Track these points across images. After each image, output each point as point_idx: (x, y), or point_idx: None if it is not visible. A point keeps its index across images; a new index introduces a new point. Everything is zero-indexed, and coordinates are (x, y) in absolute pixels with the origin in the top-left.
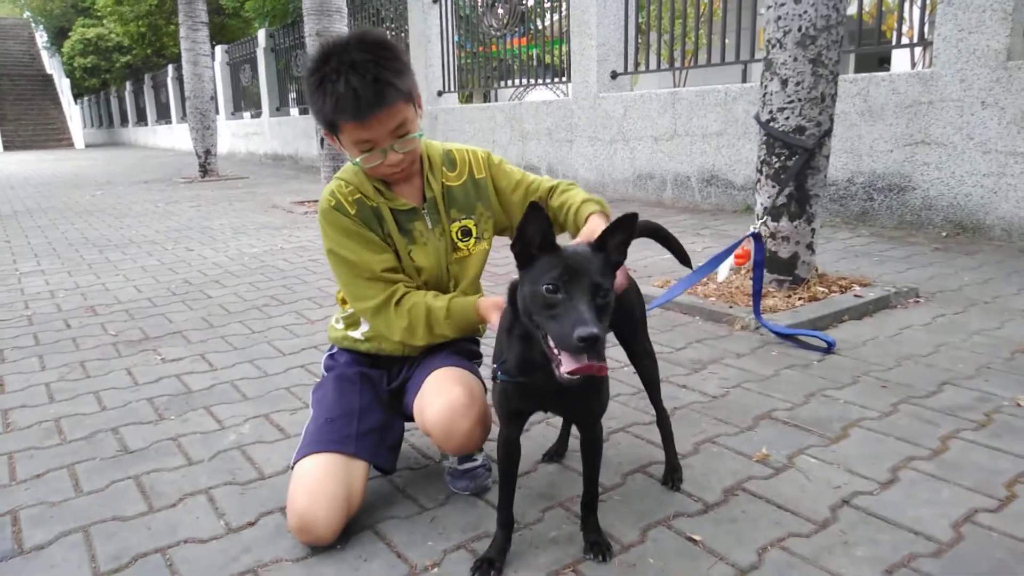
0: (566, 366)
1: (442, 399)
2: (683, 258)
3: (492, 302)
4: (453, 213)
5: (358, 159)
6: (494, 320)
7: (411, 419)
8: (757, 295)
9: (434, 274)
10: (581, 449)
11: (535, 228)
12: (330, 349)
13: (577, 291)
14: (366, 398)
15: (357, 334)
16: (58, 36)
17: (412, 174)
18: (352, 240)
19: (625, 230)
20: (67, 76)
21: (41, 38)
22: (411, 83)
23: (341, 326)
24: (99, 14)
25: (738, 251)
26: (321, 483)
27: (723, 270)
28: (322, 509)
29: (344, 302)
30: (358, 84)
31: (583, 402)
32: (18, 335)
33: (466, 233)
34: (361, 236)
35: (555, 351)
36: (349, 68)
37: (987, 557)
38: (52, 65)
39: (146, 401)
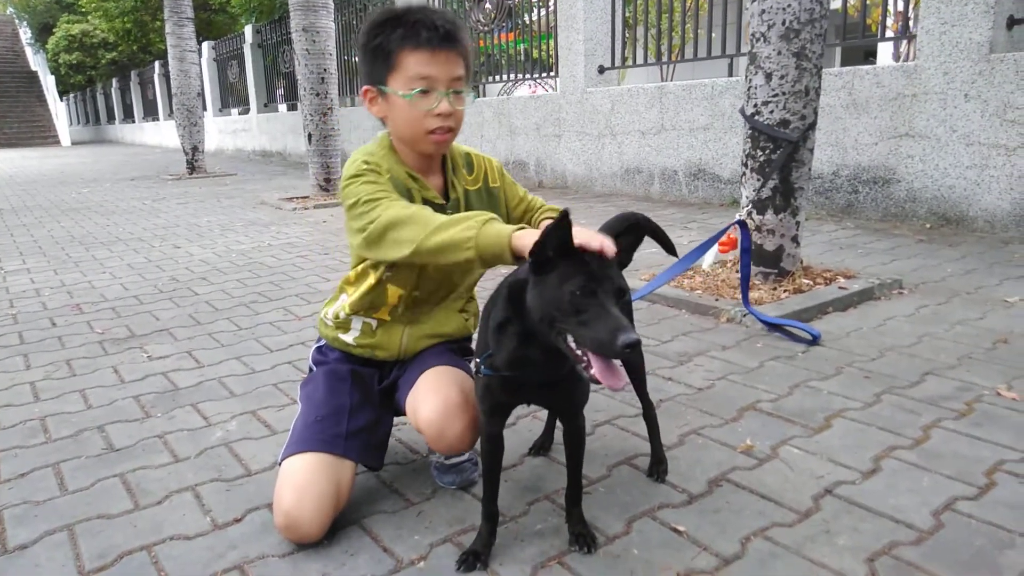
0: (601, 376)
1: (436, 399)
2: (669, 248)
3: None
4: None
5: (412, 91)
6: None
7: (402, 413)
8: (745, 282)
9: (440, 271)
10: (564, 441)
11: (557, 235)
12: (318, 342)
13: (605, 296)
14: (356, 396)
15: (348, 339)
16: (42, 32)
17: (435, 165)
18: (379, 185)
19: (636, 234)
20: (52, 73)
21: (25, 34)
22: (471, 57)
23: (331, 324)
24: (83, 10)
25: (723, 239)
26: (309, 483)
27: (708, 258)
28: (309, 509)
29: (335, 299)
30: (438, 19)
31: (566, 393)
32: (3, 333)
33: None
34: (381, 179)
35: (580, 354)
36: (429, 10)
37: (967, 544)
38: (37, 62)
39: (132, 399)
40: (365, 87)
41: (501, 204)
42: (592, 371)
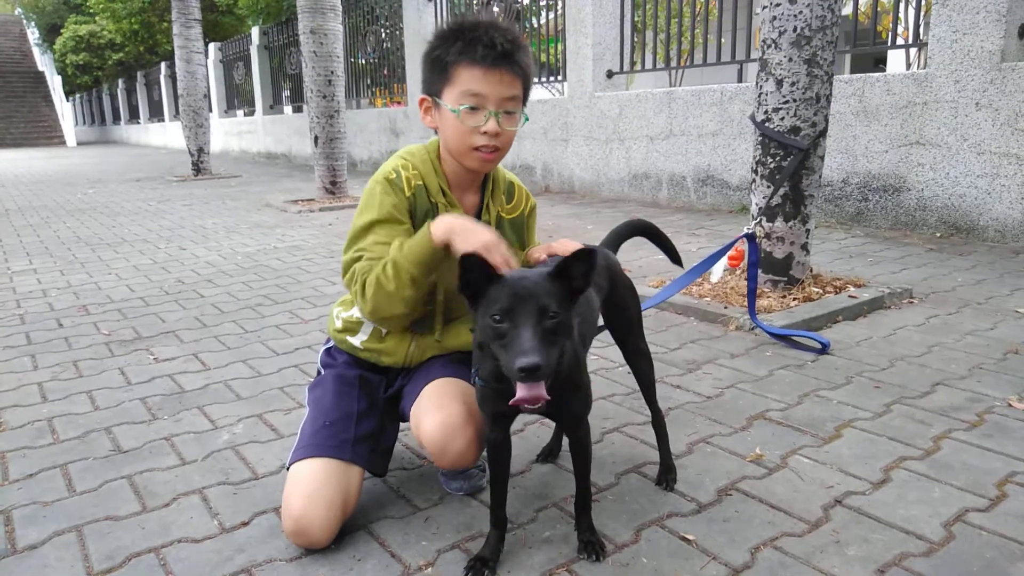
0: (519, 392)
1: (439, 415)
2: (674, 257)
3: (445, 225)
4: None
5: (460, 107)
6: (453, 241)
7: (407, 420)
8: (752, 295)
9: (451, 290)
10: (570, 451)
11: (473, 272)
12: (327, 342)
13: (522, 318)
14: (364, 402)
15: (356, 341)
16: (50, 33)
17: (474, 184)
18: (384, 228)
19: (585, 262)
20: (59, 73)
21: (33, 35)
22: (531, 78)
23: (340, 325)
24: (91, 11)
25: (732, 252)
26: (318, 488)
27: (717, 271)
28: (318, 515)
29: (346, 304)
30: (498, 37)
31: (561, 405)
32: (10, 334)
33: None
34: (395, 227)
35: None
36: (493, 27)
37: (978, 556)
38: (44, 62)
39: (139, 401)
40: (422, 96)
41: (524, 239)
42: (516, 397)
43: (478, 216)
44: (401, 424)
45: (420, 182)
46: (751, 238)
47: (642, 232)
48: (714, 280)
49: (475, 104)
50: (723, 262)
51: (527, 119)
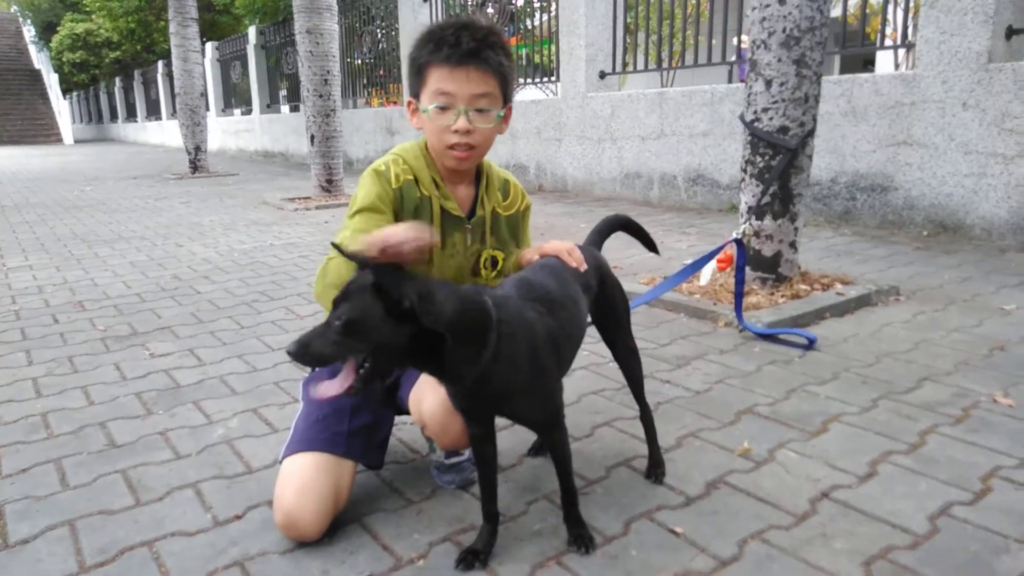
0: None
1: (440, 395)
2: (651, 247)
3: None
4: (490, 241)
5: (430, 106)
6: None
7: (404, 412)
8: (739, 298)
9: (449, 272)
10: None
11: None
12: None
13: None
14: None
15: None
16: (46, 31)
17: (466, 178)
18: (365, 216)
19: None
20: (56, 71)
21: (29, 32)
22: (510, 75)
23: None
24: (88, 9)
25: (720, 256)
26: (309, 482)
27: (706, 273)
28: (309, 508)
29: None
30: (465, 36)
31: (519, 407)
32: (5, 330)
33: (493, 264)
34: (375, 216)
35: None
36: (463, 26)
37: (962, 549)
38: (40, 60)
39: (134, 396)
40: (408, 99)
41: (517, 236)
42: None
43: (473, 208)
44: (396, 418)
45: (410, 177)
46: (739, 242)
47: (621, 227)
48: (703, 283)
49: (444, 103)
50: (712, 265)
51: (500, 116)
